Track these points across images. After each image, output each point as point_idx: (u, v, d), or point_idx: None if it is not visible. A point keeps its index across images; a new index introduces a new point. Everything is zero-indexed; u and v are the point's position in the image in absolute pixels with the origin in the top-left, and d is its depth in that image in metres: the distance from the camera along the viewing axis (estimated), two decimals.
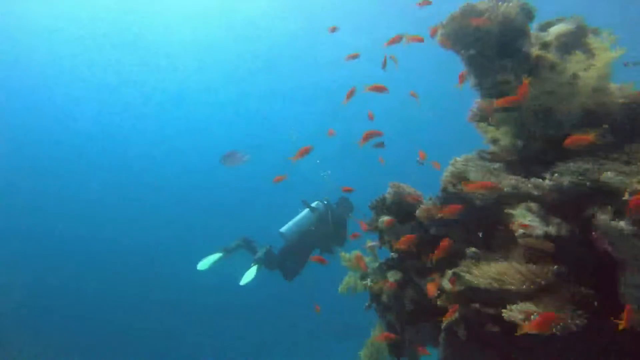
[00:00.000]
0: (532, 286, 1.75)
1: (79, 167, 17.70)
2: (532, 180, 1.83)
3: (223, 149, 4.62)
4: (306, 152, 2.80)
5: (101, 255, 14.51)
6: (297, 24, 13.74)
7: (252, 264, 4.74)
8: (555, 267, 1.82)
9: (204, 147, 17.30)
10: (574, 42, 1.96)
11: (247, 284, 4.63)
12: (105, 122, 18.24)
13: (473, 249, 2.20)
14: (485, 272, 1.99)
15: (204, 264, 4.80)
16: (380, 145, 2.84)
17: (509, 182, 1.95)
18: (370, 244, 3.16)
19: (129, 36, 15.17)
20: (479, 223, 2.33)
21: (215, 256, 4.85)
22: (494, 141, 2.50)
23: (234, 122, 18.73)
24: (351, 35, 12.29)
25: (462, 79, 2.75)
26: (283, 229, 4.78)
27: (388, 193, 2.92)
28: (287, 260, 4.77)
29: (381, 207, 2.95)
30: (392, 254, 2.92)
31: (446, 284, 2.42)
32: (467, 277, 2.07)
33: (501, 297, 1.96)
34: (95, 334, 10.76)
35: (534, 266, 1.83)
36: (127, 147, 18.51)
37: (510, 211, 2.34)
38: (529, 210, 2.21)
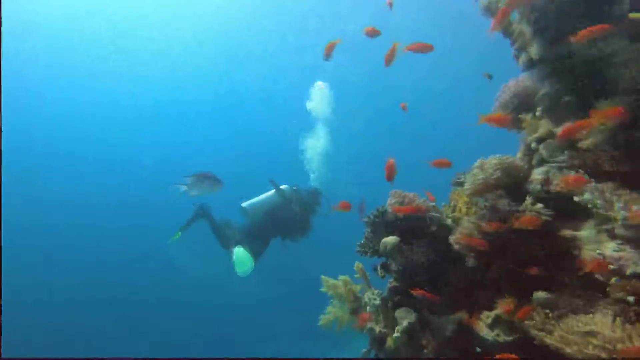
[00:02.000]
0: None
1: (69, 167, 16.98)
2: None
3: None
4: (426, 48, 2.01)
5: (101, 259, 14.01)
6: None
7: (232, 249, 4.27)
8: None
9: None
10: None
11: (247, 273, 4.18)
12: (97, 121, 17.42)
13: (543, 293, 1.57)
14: (580, 333, 1.36)
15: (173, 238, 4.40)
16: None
17: None
18: (361, 267, 2.44)
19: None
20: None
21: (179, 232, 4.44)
22: (542, 140, 1.88)
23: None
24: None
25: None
26: (245, 204, 4.43)
27: (389, 205, 2.21)
28: (248, 241, 4.34)
29: (381, 222, 2.23)
30: (394, 282, 2.22)
31: (486, 332, 1.79)
32: (549, 339, 1.43)
33: None
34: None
35: None
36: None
37: (572, 233, 1.76)
38: (607, 232, 1.64)
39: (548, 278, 1.68)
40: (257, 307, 10.87)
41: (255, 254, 4.33)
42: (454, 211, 2.34)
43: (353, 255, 2.46)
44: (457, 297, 2.00)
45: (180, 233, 4.35)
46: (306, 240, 4.56)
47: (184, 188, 3.73)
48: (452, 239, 1.80)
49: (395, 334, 1.99)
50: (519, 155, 2.17)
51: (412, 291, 1.83)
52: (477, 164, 2.08)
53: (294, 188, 4.51)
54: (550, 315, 1.49)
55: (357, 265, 2.44)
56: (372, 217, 2.24)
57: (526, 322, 1.55)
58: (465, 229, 1.75)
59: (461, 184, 2.42)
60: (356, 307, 2.40)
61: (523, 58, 1.75)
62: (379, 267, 2.21)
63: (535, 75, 1.76)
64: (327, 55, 2.49)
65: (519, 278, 1.75)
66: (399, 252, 2.07)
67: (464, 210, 2.28)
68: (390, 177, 2.02)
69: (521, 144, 2.18)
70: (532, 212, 1.75)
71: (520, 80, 2.03)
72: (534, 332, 1.49)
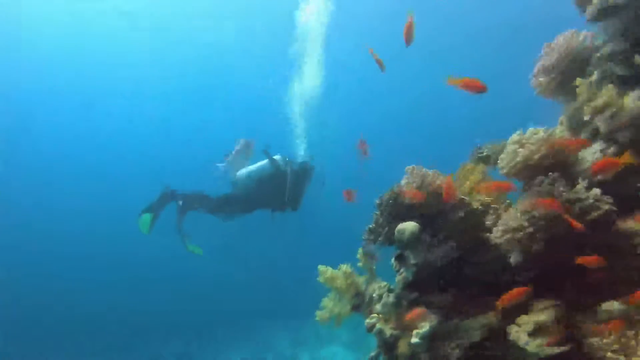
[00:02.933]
0: None
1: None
2: None
3: None
4: None
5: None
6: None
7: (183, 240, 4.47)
8: None
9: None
10: None
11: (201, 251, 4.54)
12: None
13: (616, 304, 1.27)
14: None
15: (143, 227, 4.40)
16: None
17: None
18: (364, 255, 2.09)
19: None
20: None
21: (147, 217, 4.38)
22: (600, 112, 1.53)
23: None
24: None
25: None
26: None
27: (406, 185, 1.84)
28: (228, 206, 4.41)
29: (395, 205, 1.87)
30: (405, 274, 1.89)
31: (526, 341, 1.50)
32: None
33: None
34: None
35: None
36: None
37: (634, 226, 1.46)
38: None
39: (609, 282, 1.39)
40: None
41: (228, 214, 4.40)
42: (470, 192, 2.00)
43: (355, 240, 2.12)
44: (488, 297, 1.70)
45: (148, 222, 4.33)
46: (296, 214, 4.42)
47: (222, 167, 3.94)
48: (497, 231, 1.45)
49: (414, 340, 1.66)
50: (559, 128, 1.84)
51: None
52: (514, 138, 1.73)
53: (287, 159, 4.29)
54: (629, 334, 1.20)
55: (361, 253, 2.09)
56: (384, 198, 1.87)
57: (592, 339, 1.25)
58: (513, 221, 1.40)
59: (485, 159, 2.08)
60: (359, 303, 2.07)
61: (594, 5, 1.37)
62: (393, 260, 1.87)
63: (606, 28, 1.39)
64: (381, 66, 2.39)
65: (570, 279, 1.45)
66: (420, 242, 1.73)
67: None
68: (449, 199, 1.69)
69: (562, 116, 1.84)
70: (590, 200, 1.44)
71: (568, 36, 1.65)
72: (606, 354, 1.20)
